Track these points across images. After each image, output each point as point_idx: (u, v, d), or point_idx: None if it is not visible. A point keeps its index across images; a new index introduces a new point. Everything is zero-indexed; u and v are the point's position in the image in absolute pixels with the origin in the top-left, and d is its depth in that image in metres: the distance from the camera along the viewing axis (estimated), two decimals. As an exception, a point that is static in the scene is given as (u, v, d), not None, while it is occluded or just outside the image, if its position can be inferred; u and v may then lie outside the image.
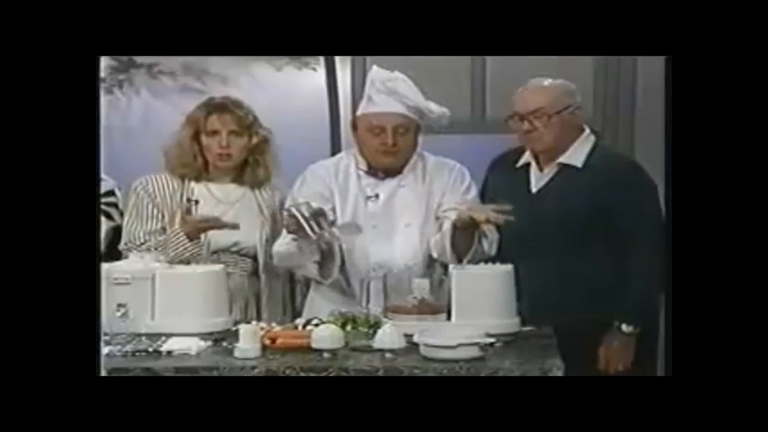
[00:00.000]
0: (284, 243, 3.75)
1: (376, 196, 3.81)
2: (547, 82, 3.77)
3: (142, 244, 3.84)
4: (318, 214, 3.53)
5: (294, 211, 3.55)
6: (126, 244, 3.90)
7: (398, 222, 3.80)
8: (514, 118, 3.74)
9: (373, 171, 3.83)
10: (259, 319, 3.75)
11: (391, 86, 3.75)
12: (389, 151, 3.76)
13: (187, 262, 3.74)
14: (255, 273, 3.94)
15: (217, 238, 3.87)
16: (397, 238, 3.78)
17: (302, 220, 3.51)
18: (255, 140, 3.96)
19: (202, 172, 3.95)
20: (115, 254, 3.86)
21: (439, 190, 3.83)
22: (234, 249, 3.91)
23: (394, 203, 3.81)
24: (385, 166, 3.81)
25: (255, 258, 3.94)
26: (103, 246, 3.92)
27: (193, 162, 3.94)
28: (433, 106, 3.80)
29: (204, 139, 3.93)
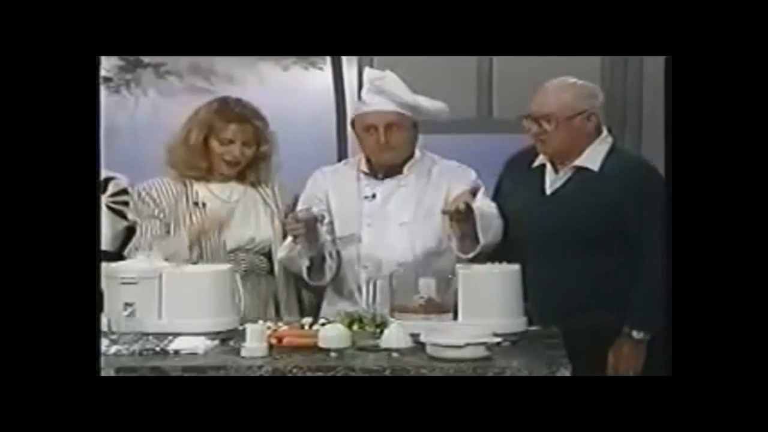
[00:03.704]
0: (285, 247, 3.85)
1: (373, 195, 3.86)
2: (569, 82, 3.72)
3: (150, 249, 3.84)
4: (315, 220, 3.69)
5: (293, 216, 3.73)
6: (134, 246, 3.90)
7: (393, 221, 3.84)
8: (528, 118, 3.72)
9: (373, 172, 3.89)
10: (278, 319, 3.75)
11: (379, 85, 3.83)
12: (383, 149, 3.82)
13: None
14: (270, 271, 3.94)
15: (233, 236, 3.89)
16: (390, 236, 3.82)
17: (301, 225, 3.68)
18: (263, 149, 3.95)
19: (206, 174, 3.95)
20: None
21: (444, 188, 3.85)
22: (249, 246, 3.92)
23: (391, 202, 3.85)
24: (384, 163, 3.87)
25: (269, 256, 3.93)
26: (116, 246, 3.94)
27: (200, 164, 3.93)
28: (426, 102, 3.85)
29: (215, 144, 3.91)
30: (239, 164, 3.93)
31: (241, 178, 3.97)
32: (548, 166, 3.76)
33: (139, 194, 3.95)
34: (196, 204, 3.93)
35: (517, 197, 3.77)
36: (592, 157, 3.71)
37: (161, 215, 3.91)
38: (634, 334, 3.62)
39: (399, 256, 3.79)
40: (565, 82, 3.73)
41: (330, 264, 3.82)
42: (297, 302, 3.98)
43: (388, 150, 3.82)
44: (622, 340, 3.63)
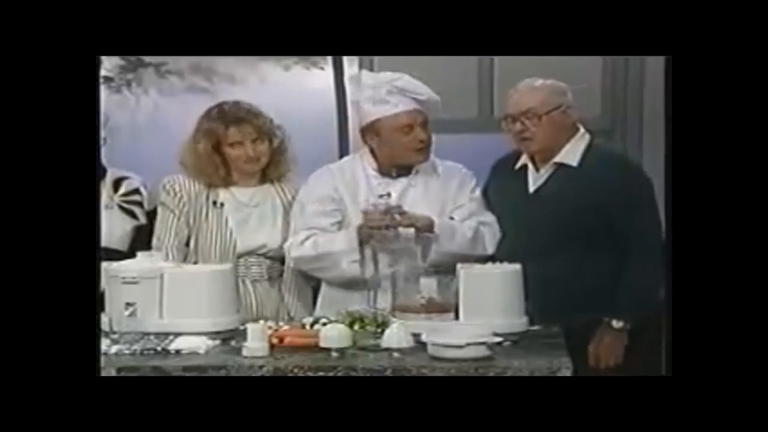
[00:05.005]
0: (308, 245, 3.80)
1: (388, 194, 3.84)
2: (538, 82, 3.77)
3: (171, 241, 3.88)
4: (394, 210, 3.67)
5: (375, 208, 3.69)
6: (158, 239, 3.92)
7: None
8: (507, 119, 3.76)
9: (386, 171, 3.87)
10: (290, 320, 3.74)
11: (400, 85, 3.81)
12: (421, 148, 3.82)
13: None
14: (281, 275, 3.93)
15: (245, 241, 3.90)
16: (409, 233, 3.77)
17: (387, 217, 3.66)
18: (276, 143, 3.95)
19: (226, 178, 3.95)
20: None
21: (452, 189, 3.87)
22: (261, 251, 3.92)
23: (407, 201, 3.83)
24: (417, 162, 3.85)
25: (282, 260, 3.93)
26: (126, 245, 3.94)
27: (216, 172, 3.92)
28: (434, 95, 3.85)
29: (227, 150, 3.90)
30: (259, 160, 3.92)
31: (264, 177, 3.97)
32: (530, 166, 3.81)
33: (164, 186, 3.96)
34: (214, 203, 3.93)
35: (503, 199, 3.84)
36: (571, 154, 3.76)
37: (185, 208, 3.92)
38: (614, 323, 3.65)
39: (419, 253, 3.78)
40: (535, 81, 3.78)
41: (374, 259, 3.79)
42: (309, 305, 3.95)
43: (424, 148, 3.82)
44: (602, 329, 3.67)
